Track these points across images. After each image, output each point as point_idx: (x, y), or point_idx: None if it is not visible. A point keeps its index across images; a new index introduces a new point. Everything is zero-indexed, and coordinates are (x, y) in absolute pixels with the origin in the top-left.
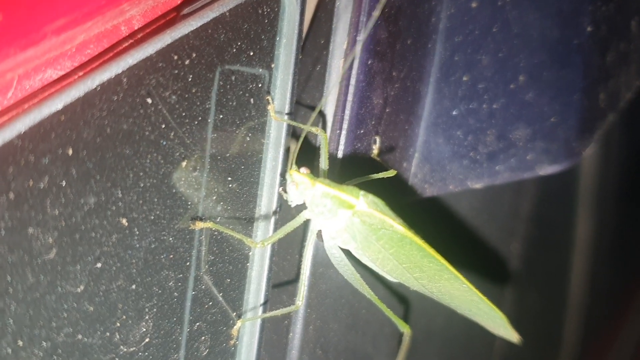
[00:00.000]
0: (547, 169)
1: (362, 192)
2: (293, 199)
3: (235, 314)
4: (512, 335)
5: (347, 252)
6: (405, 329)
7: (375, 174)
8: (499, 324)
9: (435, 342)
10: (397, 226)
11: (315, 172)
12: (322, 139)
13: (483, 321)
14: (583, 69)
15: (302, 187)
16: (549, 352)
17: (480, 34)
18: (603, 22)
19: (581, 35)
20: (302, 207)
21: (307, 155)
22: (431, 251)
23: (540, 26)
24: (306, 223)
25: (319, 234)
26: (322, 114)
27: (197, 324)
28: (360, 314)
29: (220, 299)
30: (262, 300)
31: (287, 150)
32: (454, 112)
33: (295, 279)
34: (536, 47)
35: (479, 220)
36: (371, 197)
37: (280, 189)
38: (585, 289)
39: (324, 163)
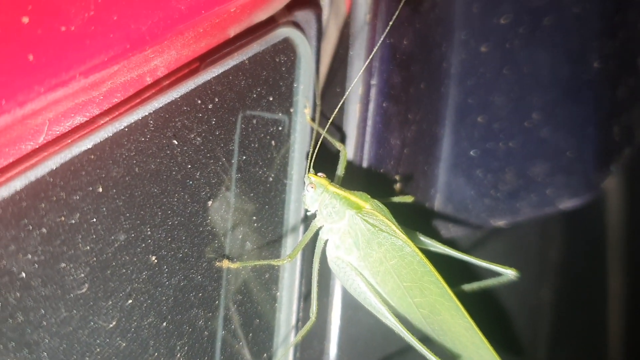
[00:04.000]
0: (568, 203)
1: (369, 197)
2: (309, 203)
3: (265, 355)
4: None
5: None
6: None
7: (393, 198)
8: None
9: None
10: (398, 231)
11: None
12: (342, 153)
13: None
14: (595, 103)
15: (319, 189)
16: None
17: (491, 76)
18: (610, 58)
19: (590, 71)
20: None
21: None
22: (432, 268)
23: (549, 65)
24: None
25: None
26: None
27: None
28: (393, 358)
29: (250, 339)
30: (292, 346)
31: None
32: (472, 153)
33: (323, 324)
34: (547, 85)
35: (505, 264)
36: (377, 202)
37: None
38: (626, 338)
39: (340, 170)
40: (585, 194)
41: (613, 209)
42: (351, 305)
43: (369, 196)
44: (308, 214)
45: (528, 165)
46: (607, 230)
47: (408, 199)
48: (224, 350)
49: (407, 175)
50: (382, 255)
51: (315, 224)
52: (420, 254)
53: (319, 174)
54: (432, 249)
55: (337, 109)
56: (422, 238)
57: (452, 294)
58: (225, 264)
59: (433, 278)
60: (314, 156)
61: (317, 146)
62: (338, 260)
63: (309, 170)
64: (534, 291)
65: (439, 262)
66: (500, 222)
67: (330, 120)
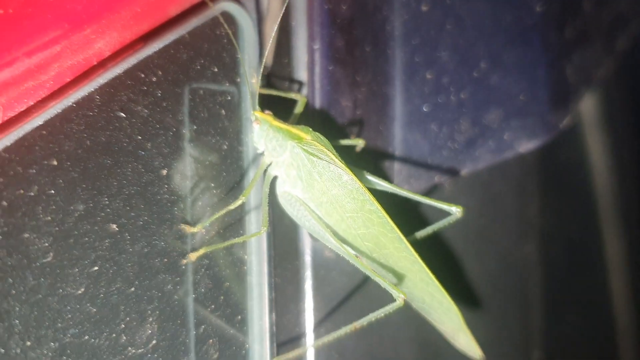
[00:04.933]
0: (527, 145)
1: (311, 130)
2: (257, 141)
3: (239, 317)
4: (472, 346)
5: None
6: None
7: (343, 140)
8: (455, 324)
9: None
10: (337, 160)
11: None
12: (300, 101)
13: (439, 319)
14: (542, 46)
15: (264, 125)
16: None
17: (435, 33)
18: (553, 1)
19: (533, 15)
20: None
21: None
22: (371, 197)
23: (491, 14)
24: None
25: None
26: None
27: (203, 326)
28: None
29: (222, 302)
30: (267, 306)
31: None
32: (424, 108)
33: (297, 286)
34: (491, 34)
35: (481, 222)
36: (319, 135)
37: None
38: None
39: (297, 109)
40: (544, 134)
41: (581, 147)
42: (323, 266)
43: (310, 129)
44: (258, 152)
45: (482, 113)
46: (580, 169)
47: (360, 142)
48: (196, 313)
49: (363, 135)
50: (323, 185)
51: (265, 161)
52: (358, 182)
53: (266, 111)
54: (378, 187)
55: (263, 58)
56: (369, 177)
57: (394, 225)
58: (188, 229)
59: (373, 207)
60: (257, 95)
61: (259, 83)
62: (286, 194)
63: (254, 109)
64: (513, 243)
65: (389, 206)
66: (463, 172)
67: (262, 68)
